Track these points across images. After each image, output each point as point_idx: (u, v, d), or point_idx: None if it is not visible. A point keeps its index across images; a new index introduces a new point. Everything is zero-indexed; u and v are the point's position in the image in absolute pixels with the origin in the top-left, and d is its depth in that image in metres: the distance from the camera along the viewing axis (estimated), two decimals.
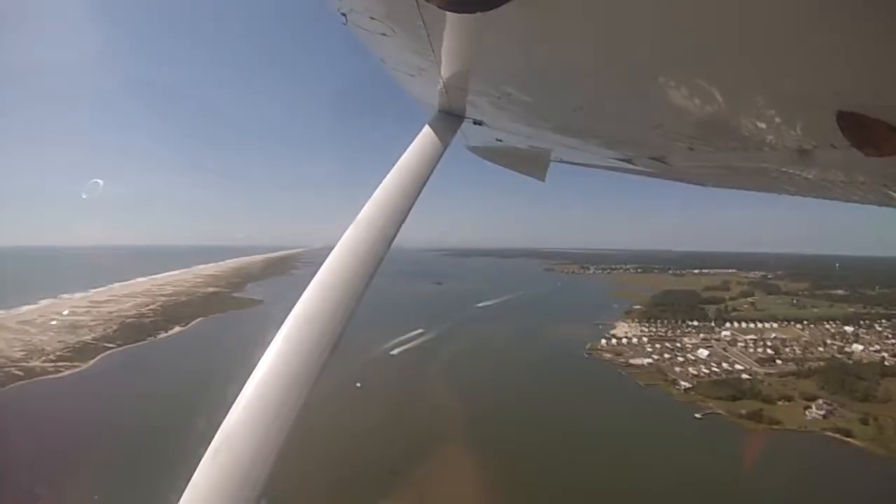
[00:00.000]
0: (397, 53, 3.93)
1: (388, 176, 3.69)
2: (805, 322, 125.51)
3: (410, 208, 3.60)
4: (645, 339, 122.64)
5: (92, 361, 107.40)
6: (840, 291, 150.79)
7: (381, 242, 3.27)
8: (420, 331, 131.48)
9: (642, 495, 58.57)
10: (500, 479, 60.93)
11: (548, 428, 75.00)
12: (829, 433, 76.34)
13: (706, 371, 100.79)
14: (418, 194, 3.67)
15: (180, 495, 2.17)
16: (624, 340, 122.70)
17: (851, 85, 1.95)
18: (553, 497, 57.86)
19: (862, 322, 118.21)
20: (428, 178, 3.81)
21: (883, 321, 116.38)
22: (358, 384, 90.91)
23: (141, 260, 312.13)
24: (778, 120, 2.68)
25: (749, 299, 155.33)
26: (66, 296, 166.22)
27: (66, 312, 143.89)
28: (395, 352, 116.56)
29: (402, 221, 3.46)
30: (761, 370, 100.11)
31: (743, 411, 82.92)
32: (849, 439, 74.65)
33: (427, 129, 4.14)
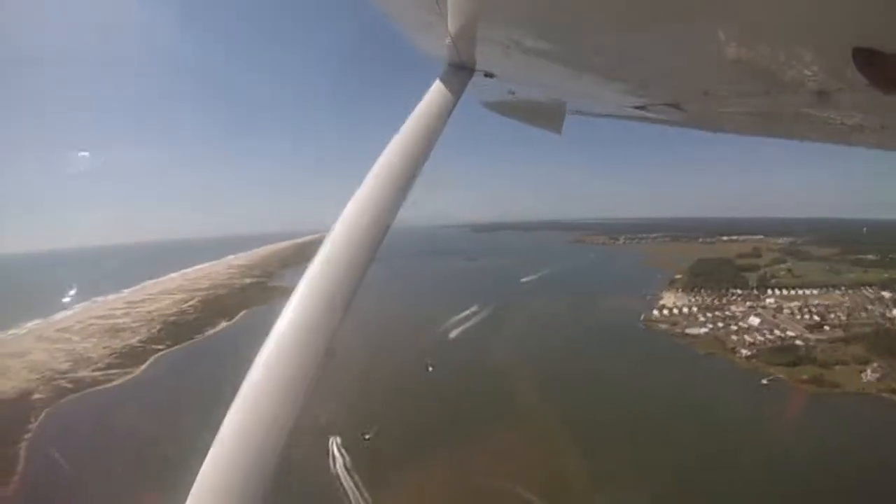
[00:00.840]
0: (402, 4, 4.16)
1: (398, 134, 3.58)
2: (843, 288, 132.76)
3: (423, 164, 3.53)
4: (695, 309, 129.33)
5: (143, 366, 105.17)
6: (871, 256, 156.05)
7: (392, 203, 3.20)
8: (474, 308, 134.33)
9: (745, 458, 65.42)
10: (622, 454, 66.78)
11: (635, 398, 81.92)
12: (886, 395, 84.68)
13: (761, 338, 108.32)
14: (430, 151, 3.60)
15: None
16: (675, 311, 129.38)
17: (867, 19, 1.77)
18: (674, 457, 64.83)
19: None
20: (439, 133, 3.75)
21: None
22: (430, 368, 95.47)
23: (155, 256, 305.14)
24: (792, 59, 2.63)
25: (784, 266, 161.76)
26: (100, 299, 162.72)
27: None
28: (453, 334, 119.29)
29: (415, 178, 3.42)
30: (812, 336, 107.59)
31: (804, 376, 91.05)
32: None
33: (437, 83, 4.01)
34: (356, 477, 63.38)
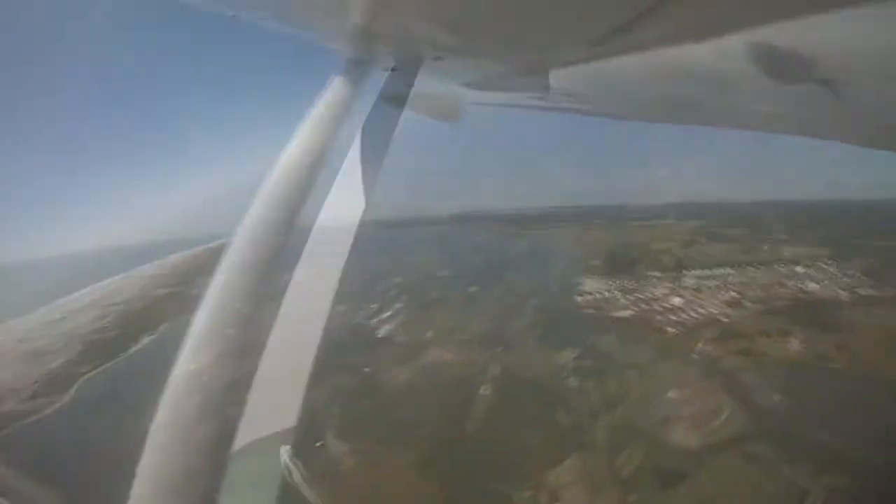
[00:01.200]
0: None
1: (299, 132, 2.86)
2: (758, 265, 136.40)
3: (328, 160, 2.86)
4: (617, 293, 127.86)
5: (71, 392, 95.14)
6: (781, 235, 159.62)
7: (296, 203, 2.50)
8: (398, 306, 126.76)
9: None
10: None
11: (597, 382, 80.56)
12: (812, 361, 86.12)
13: (686, 317, 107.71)
14: (334, 147, 2.81)
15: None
16: (598, 295, 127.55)
17: (762, 14, 1.75)
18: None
19: (810, 263, 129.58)
20: (343, 128, 3.03)
21: (828, 261, 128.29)
22: (367, 369, 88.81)
23: (64, 270, 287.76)
24: (693, 50, 2.42)
25: (697, 247, 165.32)
26: (14, 320, 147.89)
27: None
28: (380, 333, 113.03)
29: (319, 175, 2.71)
30: (733, 312, 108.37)
31: (734, 349, 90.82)
32: (829, 365, 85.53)
33: (338, 78, 3.21)
34: (317, 488, 56.70)
